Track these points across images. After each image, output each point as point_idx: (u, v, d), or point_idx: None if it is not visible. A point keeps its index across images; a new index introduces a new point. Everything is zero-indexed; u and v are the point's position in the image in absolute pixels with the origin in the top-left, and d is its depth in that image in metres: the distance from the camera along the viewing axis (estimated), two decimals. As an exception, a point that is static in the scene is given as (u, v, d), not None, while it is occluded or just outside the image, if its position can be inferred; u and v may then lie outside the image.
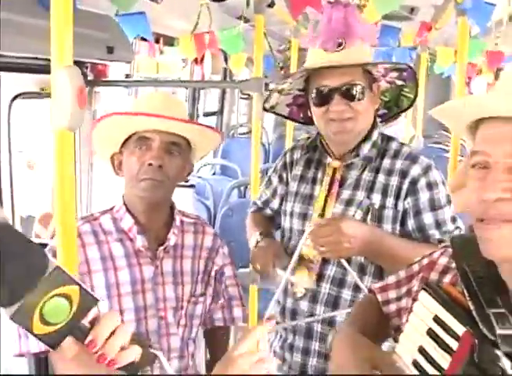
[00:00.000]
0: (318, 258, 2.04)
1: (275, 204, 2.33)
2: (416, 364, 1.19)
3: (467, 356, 1.08)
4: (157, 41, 4.61)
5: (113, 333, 0.96)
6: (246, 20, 4.89)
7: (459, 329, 1.11)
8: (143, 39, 4.15)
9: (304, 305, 2.09)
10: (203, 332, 2.14)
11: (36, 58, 2.49)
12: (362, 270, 2.01)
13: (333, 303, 2.03)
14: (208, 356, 2.23)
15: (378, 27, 5.13)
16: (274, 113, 2.31)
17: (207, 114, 6.55)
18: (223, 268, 2.10)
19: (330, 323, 2.03)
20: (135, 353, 0.98)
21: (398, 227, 1.99)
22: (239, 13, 4.66)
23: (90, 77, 3.22)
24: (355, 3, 2.38)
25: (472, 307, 1.12)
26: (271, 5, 3.16)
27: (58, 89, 1.41)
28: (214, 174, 6.23)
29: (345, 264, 1.94)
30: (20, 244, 0.80)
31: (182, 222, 2.03)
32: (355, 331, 1.42)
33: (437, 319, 1.17)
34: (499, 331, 1.06)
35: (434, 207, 1.97)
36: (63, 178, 1.45)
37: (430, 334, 1.18)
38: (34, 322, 0.83)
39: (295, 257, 1.97)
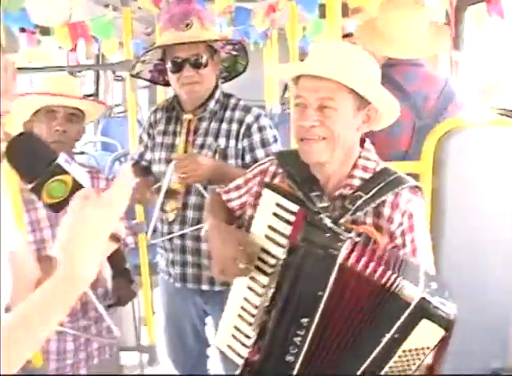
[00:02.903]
0: (182, 190, 2.65)
1: (147, 155, 2.88)
2: (267, 237, 1.73)
3: (303, 223, 1.63)
4: (33, 32, 5.03)
5: None
6: (115, 8, 5.39)
7: (294, 207, 1.68)
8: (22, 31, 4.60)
9: (176, 228, 2.70)
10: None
11: None
12: None
13: (197, 224, 2.62)
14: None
15: (232, 8, 5.84)
16: (139, 77, 2.89)
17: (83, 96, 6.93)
18: None
19: (197, 239, 2.64)
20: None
21: (240, 161, 2.60)
22: (107, 2, 5.17)
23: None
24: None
25: (299, 193, 1.76)
26: (135, -2, 3.71)
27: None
28: (96, 151, 6.72)
29: (202, 189, 2.57)
30: (37, 150, 1.30)
31: None
32: (221, 222, 1.97)
33: (278, 204, 1.71)
34: (319, 205, 1.71)
35: (264, 144, 2.59)
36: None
37: (275, 215, 1.71)
38: (43, 195, 1.27)
39: (165, 185, 2.58)
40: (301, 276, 1.59)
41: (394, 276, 1.52)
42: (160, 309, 3.11)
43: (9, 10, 3.54)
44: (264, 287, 1.73)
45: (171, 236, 2.70)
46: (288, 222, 1.68)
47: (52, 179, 1.28)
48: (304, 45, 7.39)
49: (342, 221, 1.68)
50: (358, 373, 1.57)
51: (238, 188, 2.08)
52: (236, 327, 1.82)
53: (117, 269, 2.77)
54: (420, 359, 1.52)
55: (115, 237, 1.27)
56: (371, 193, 1.71)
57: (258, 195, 1.85)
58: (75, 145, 2.66)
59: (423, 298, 1.48)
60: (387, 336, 1.51)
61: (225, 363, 2.80)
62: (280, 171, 1.91)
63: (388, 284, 1.52)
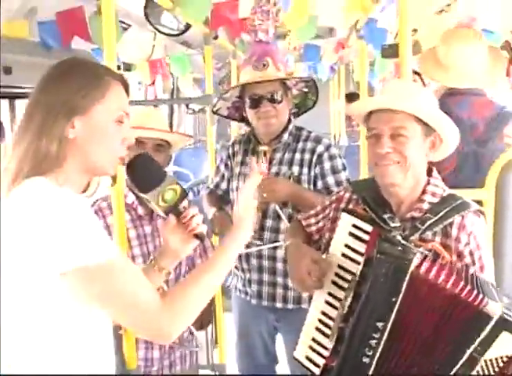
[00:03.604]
0: (259, 214, 2.81)
1: (224, 185, 3.12)
2: (344, 255, 1.91)
3: (376, 241, 1.80)
4: (118, 68, 5.37)
5: (193, 217, 1.70)
6: (190, 46, 5.73)
7: (368, 227, 1.86)
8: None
9: (253, 249, 2.88)
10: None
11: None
12: (290, 219, 2.76)
13: (273, 245, 2.82)
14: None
15: (302, 44, 6.12)
16: (218, 114, 3.15)
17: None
18: None
19: (274, 258, 2.86)
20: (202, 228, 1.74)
21: (312, 187, 2.81)
22: (185, 40, 5.50)
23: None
24: (274, 38, 3.30)
25: (373, 215, 1.97)
26: (215, 38, 4.00)
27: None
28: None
29: (279, 211, 2.77)
30: (155, 166, 1.68)
31: None
32: (300, 241, 2.19)
33: (354, 225, 1.90)
34: (392, 225, 1.91)
35: (334, 172, 2.80)
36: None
37: (352, 234, 1.90)
38: (159, 200, 1.65)
39: None
40: (376, 283, 1.76)
41: (476, 292, 1.69)
42: (233, 326, 3.29)
43: (100, 47, 3.85)
44: (340, 300, 1.91)
45: (256, 248, 2.89)
46: (363, 240, 1.87)
47: (168, 188, 1.66)
48: (370, 79, 7.65)
49: (412, 238, 1.87)
50: None
51: (317, 214, 2.29)
52: (313, 339, 2.00)
53: None
54: (498, 366, 1.69)
55: (199, 236, 1.74)
56: (439, 215, 1.90)
57: (335, 219, 2.06)
58: None
59: (504, 313, 1.65)
60: (472, 347, 1.68)
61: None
62: (354, 197, 2.12)
63: (474, 301, 1.68)
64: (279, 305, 2.90)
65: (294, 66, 7.53)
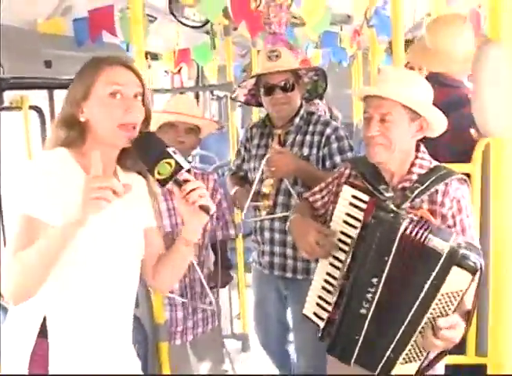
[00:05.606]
0: (273, 192, 3.11)
1: (245, 166, 3.38)
2: (345, 222, 2.17)
3: (373, 209, 2.06)
4: (146, 58, 5.68)
5: (193, 190, 1.81)
6: (214, 35, 6.00)
7: (366, 197, 2.12)
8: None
9: (267, 223, 3.15)
10: (210, 246, 3.18)
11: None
12: (300, 197, 2.94)
13: (285, 219, 2.89)
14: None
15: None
16: (236, 100, 3.45)
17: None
18: (221, 200, 3.17)
19: (284, 232, 3.02)
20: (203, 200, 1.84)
21: (320, 167, 3.03)
22: (207, 30, 5.78)
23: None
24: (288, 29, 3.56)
25: (370, 187, 2.24)
26: (235, 29, 4.29)
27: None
28: (194, 163, 7.32)
29: (289, 187, 3.03)
30: (154, 143, 1.87)
31: (195, 173, 2.96)
32: (301, 216, 2.42)
33: (354, 196, 2.16)
34: (386, 194, 2.18)
35: (341, 152, 3.02)
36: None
37: (351, 204, 2.16)
38: (155, 173, 1.80)
39: (255, 185, 3.08)
40: (372, 245, 2.03)
41: (425, 233, 1.96)
42: (252, 296, 3.58)
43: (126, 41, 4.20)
44: (342, 262, 2.17)
45: (261, 218, 3.19)
46: (361, 209, 2.13)
47: (162, 161, 1.81)
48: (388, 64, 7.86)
49: (403, 206, 2.13)
50: (409, 317, 2.00)
51: (321, 190, 2.53)
52: (320, 297, 2.29)
53: (218, 257, 3.28)
54: (456, 300, 1.92)
55: (203, 208, 1.85)
56: (426, 184, 2.16)
57: (337, 193, 2.30)
58: (191, 153, 3.14)
59: (453, 249, 1.90)
60: (428, 282, 1.93)
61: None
62: (354, 172, 2.39)
63: (420, 238, 1.94)
64: (288, 274, 3.15)
65: (313, 53, 7.76)
